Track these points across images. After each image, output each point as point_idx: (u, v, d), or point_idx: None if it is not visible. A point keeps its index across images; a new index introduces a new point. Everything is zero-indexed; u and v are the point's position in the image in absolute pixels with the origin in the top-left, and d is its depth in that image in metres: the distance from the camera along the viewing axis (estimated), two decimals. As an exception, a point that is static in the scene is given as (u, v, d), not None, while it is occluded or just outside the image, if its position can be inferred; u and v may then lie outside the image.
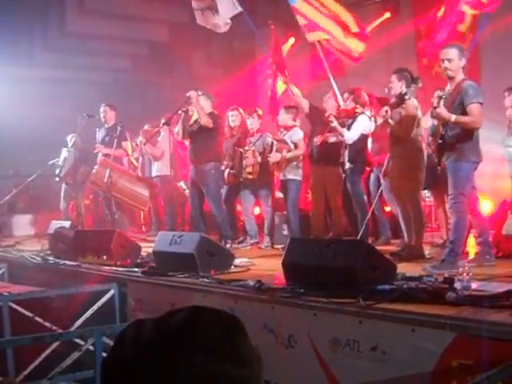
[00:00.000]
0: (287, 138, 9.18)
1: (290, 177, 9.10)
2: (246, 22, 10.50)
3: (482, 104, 6.14)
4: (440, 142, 6.36)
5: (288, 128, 9.26)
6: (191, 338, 1.07)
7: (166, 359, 1.05)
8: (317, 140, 8.81)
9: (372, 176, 8.65)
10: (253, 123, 9.71)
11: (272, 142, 9.29)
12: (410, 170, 7.26)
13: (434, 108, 6.27)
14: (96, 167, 10.62)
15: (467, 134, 6.17)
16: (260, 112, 9.99)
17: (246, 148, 9.51)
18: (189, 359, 1.05)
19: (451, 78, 6.36)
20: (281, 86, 10.48)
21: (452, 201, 6.21)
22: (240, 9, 10.22)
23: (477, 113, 6.09)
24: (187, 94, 9.40)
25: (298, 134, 9.21)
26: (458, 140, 6.18)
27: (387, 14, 12.20)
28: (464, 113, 6.14)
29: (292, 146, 9.10)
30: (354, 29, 9.60)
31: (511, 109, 8.63)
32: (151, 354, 1.06)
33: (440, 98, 6.32)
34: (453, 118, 6.15)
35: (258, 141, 9.53)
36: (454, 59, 6.25)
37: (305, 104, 9.29)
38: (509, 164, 8.52)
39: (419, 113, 7.26)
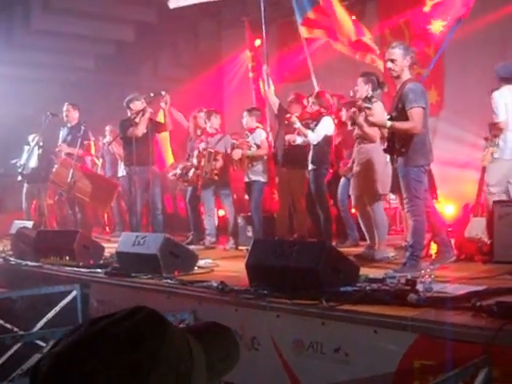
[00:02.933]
0: (251, 140, 9.20)
1: (254, 178, 9.11)
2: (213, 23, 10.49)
3: (423, 108, 6.14)
4: (390, 145, 6.39)
5: (252, 130, 9.28)
6: (82, 357, 0.98)
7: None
8: (286, 140, 8.83)
9: (342, 179, 8.68)
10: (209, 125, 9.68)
11: (233, 144, 9.29)
12: (374, 173, 7.31)
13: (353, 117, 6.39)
14: (56, 166, 10.50)
15: (412, 138, 6.16)
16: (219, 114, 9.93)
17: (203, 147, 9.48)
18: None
19: (397, 78, 6.41)
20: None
21: (407, 205, 6.24)
22: None
23: (416, 118, 6.09)
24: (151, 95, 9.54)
25: (260, 135, 9.24)
26: (404, 144, 6.18)
27: (352, 18, 12.24)
28: (406, 117, 6.15)
29: (255, 147, 9.12)
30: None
31: None
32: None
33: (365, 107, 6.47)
34: (388, 124, 6.24)
35: (219, 142, 9.50)
36: (397, 59, 6.29)
37: (275, 102, 9.36)
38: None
39: (385, 116, 7.25)
